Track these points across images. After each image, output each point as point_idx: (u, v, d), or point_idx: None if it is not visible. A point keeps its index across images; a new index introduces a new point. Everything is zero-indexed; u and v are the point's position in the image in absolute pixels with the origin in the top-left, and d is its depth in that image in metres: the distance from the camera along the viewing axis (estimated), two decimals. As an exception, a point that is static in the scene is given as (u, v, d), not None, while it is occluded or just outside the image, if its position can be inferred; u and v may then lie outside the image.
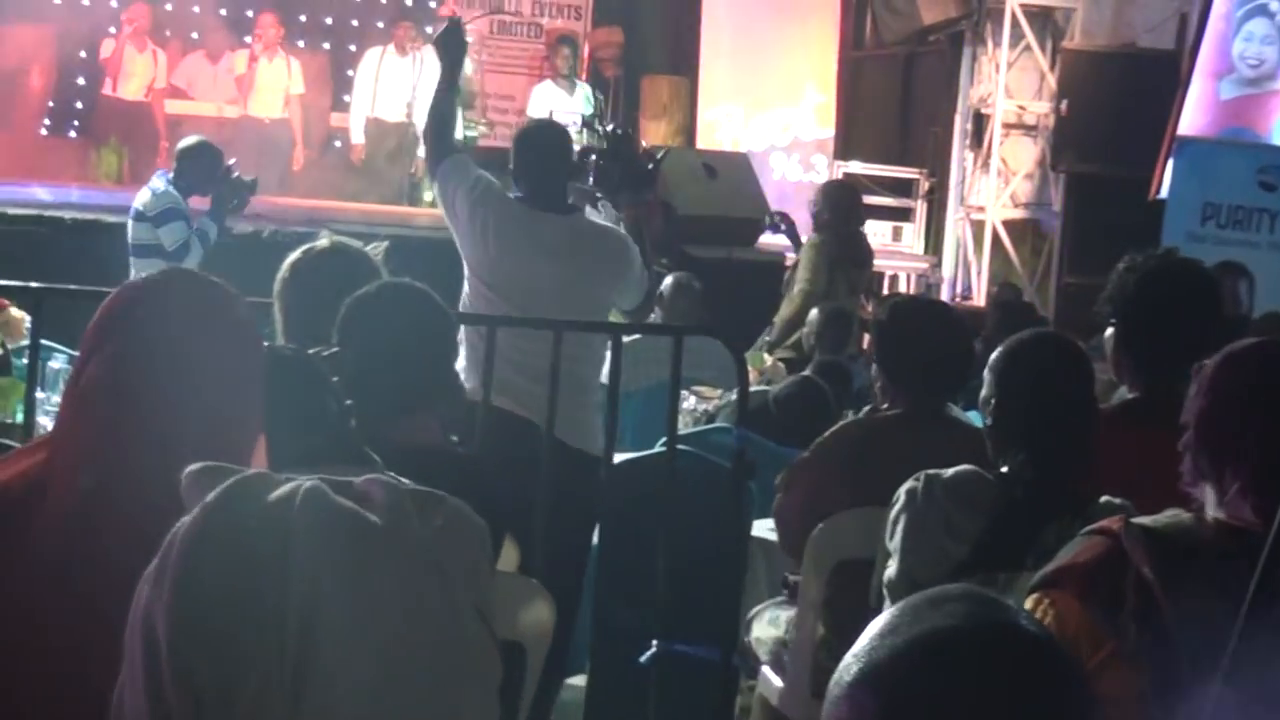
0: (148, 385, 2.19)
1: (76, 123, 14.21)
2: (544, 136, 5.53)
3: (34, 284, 5.12)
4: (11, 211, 9.50)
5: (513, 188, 5.31)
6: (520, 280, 5.12)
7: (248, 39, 13.01)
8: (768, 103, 13.30)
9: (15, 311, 6.25)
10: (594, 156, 5.77)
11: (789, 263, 8.58)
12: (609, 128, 7.15)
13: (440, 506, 2.04)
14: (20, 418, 4.73)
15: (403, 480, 2.11)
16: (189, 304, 2.27)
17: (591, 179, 5.72)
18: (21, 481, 2.21)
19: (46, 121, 14.04)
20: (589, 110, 12.49)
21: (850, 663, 1.33)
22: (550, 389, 4.56)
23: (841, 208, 8.46)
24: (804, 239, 8.52)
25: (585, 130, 11.25)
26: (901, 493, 3.23)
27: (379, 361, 3.13)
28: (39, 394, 4.73)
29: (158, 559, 1.88)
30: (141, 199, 7.74)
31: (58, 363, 5.35)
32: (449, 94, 5.53)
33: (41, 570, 2.12)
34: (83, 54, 13.89)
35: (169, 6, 13.53)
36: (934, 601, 1.34)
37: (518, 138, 5.53)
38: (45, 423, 4.92)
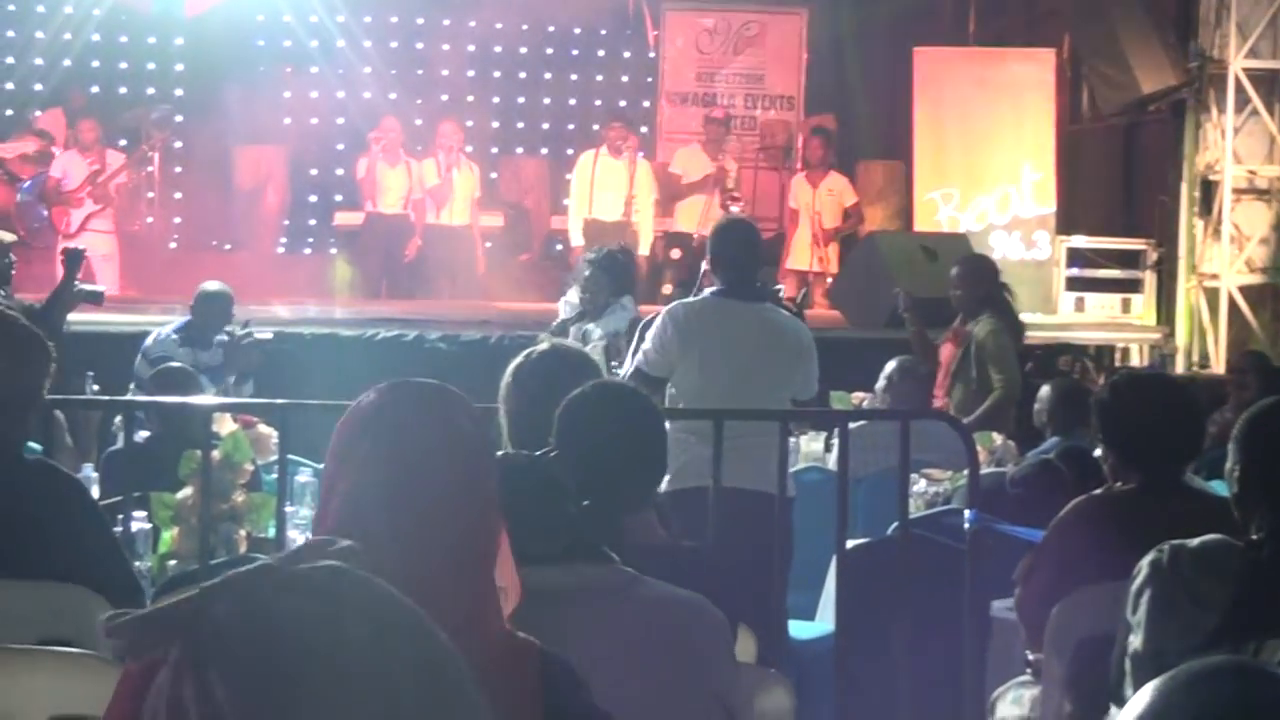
0: (384, 512, 2.18)
1: (311, 240, 14.71)
2: (739, 231, 5.99)
3: (279, 400, 5.33)
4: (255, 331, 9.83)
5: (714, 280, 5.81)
6: (719, 369, 5.53)
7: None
8: (985, 182, 13.19)
9: (264, 428, 6.48)
10: None
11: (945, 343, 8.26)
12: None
13: None
14: (273, 532, 4.90)
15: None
16: (412, 424, 2.23)
17: None
18: None
19: (283, 240, 14.55)
20: (850, 199, 12.70)
21: None
22: (780, 479, 4.76)
23: (997, 279, 8.24)
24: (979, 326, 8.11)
25: None
26: (1144, 564, 3.18)
27: (596, 463, 3.11)
28: (288, 508, 4.88)
29: None
30: (152, 337, 8.09)
31: (305, 476, 5.51)
32: None
33: None
34: (314, 171, 14.39)
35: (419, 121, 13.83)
36: (1206, 676, 1.31)
37: (714, 233, 6.01)
38: (295, 536, 5.10)
